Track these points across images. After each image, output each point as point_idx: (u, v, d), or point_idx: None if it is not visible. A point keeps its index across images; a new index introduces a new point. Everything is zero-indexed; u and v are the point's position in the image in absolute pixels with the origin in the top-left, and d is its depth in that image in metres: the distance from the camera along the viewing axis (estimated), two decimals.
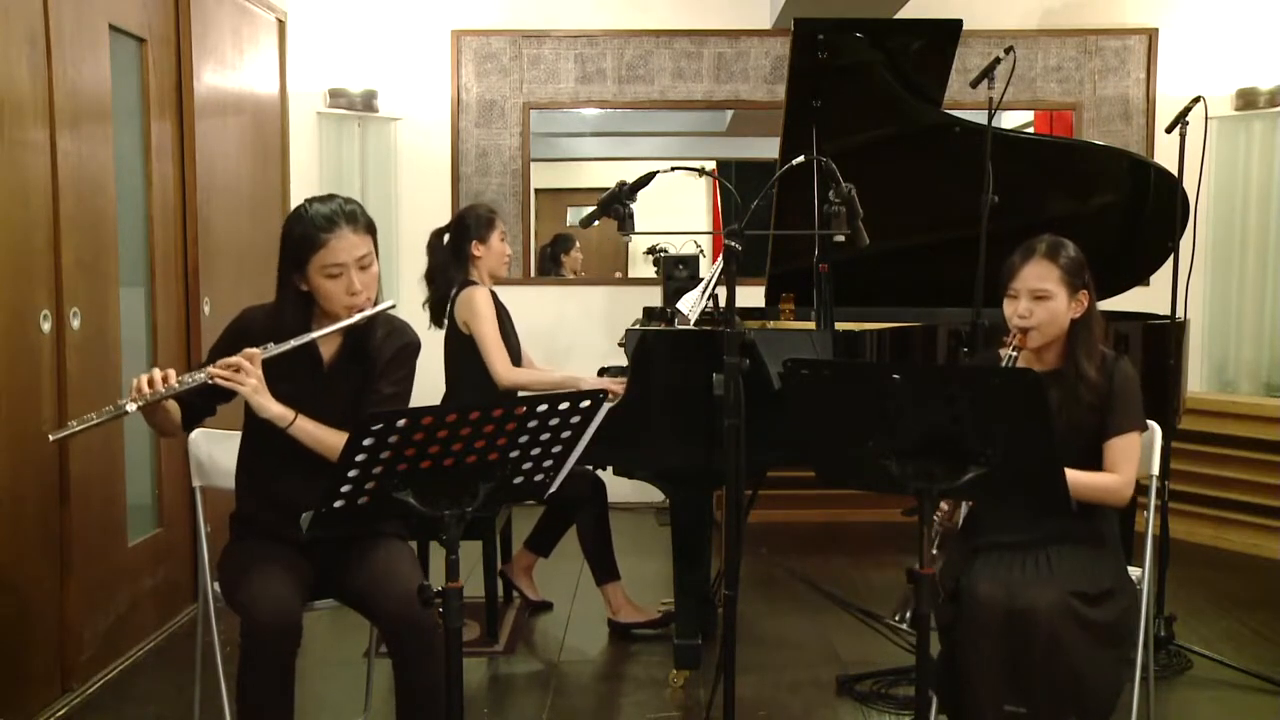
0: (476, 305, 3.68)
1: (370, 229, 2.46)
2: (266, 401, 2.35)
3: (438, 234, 3.87)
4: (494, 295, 3.78)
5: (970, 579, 2.43)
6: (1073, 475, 2.39)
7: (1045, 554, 2.47)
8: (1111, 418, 2.54)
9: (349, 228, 2.39)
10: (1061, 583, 2.39)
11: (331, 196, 2.47)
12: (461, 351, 3.73)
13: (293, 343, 2.38)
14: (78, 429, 2.27)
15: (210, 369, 2.33)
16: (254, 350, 2.35)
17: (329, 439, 2.37)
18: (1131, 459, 2.55)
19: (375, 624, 2.42)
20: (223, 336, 2.52)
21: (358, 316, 2.42)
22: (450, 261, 3.80)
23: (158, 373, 2.29)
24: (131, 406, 2.25)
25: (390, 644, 2.38)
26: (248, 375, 2.33)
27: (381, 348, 2.51)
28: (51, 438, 2.31)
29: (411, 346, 2.56)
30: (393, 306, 2.50)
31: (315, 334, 2.41)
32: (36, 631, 3.10)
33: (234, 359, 2.34)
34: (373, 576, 2.41)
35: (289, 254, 2.43)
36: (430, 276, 3.85)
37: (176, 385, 2.29)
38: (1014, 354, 2.55)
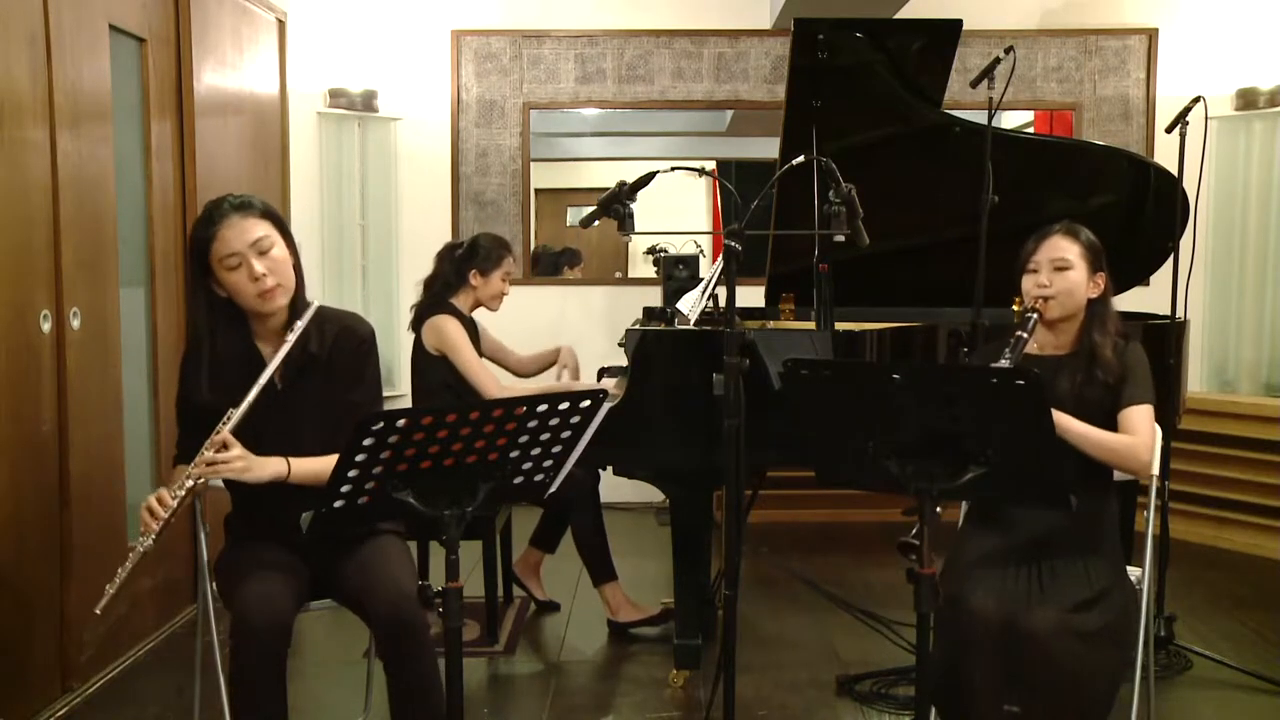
0: (448, 336, 3.69)
1: (267, 214, 2.39)
2: (260, 472, 2.32)
3: (450, 247, 3.89)
4: (471, 323, 3.82)
5: (963, 591, 2.43)
6: (1090, 431, 2.45)
7: (1039, 566, 2.47)
8: (1123, 391, 2.57)
9: (236, 215, 2.34)
10: (1058, 599, 2.39)
11: (225, 197, 2.40)
12: (426, 369, 3.75)
13: (249, 400, 2.31)
14: (114, 592, 2.27)
15: (196, 471, 2.29)
16: (223, 433, 2.29)
17: (328, 468, 2.32)
18: (1149, 425, 2.56)
19: (366, 623, 2.42)
20: (180, 385, 2.49)
21: (292, 337, 2.35)
22: (450, 278, 3.82)
23: (152, 499, 2.28)
24: (149, 542, 2.26)
25: (380, 643, 2.37)
26: (230, 460, 2.29)
27: (332, 352, 2.45)
28: (97, 610, 2.29)
29: (366, 342, 2.50)
30: (316, 310, 2.41)
31: (262, 380, 2.32)
32: (36, 631, 3.10)
33: (209, 454, 2.28)
34: (365, 575, 2.40)
35: (192, 261, 2.39)
36: (429, 284, 3.86)
37: (174, 503, 2.27)
38: (1033, 315, 2.57)
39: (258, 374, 2.36)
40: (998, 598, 2.39)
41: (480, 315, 3.94)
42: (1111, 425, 2.56)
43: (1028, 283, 2.64)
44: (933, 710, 2.38)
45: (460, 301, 3.82)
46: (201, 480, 2.30)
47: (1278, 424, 4.65)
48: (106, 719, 3.17)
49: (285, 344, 2.36)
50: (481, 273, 3.81)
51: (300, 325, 2.37)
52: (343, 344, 2.47)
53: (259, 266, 2.34)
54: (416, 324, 3.79)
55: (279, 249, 2.39)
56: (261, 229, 2.36)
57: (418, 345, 3.79)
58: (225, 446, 2.29)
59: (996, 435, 2.00)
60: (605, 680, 3.51)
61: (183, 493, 2.29)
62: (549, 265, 5.89)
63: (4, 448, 2.94)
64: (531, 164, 5.64)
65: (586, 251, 5.98)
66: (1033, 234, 2.68)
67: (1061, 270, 2.59)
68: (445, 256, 3.88)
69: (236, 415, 2.31)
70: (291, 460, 2.36)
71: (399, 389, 5.40)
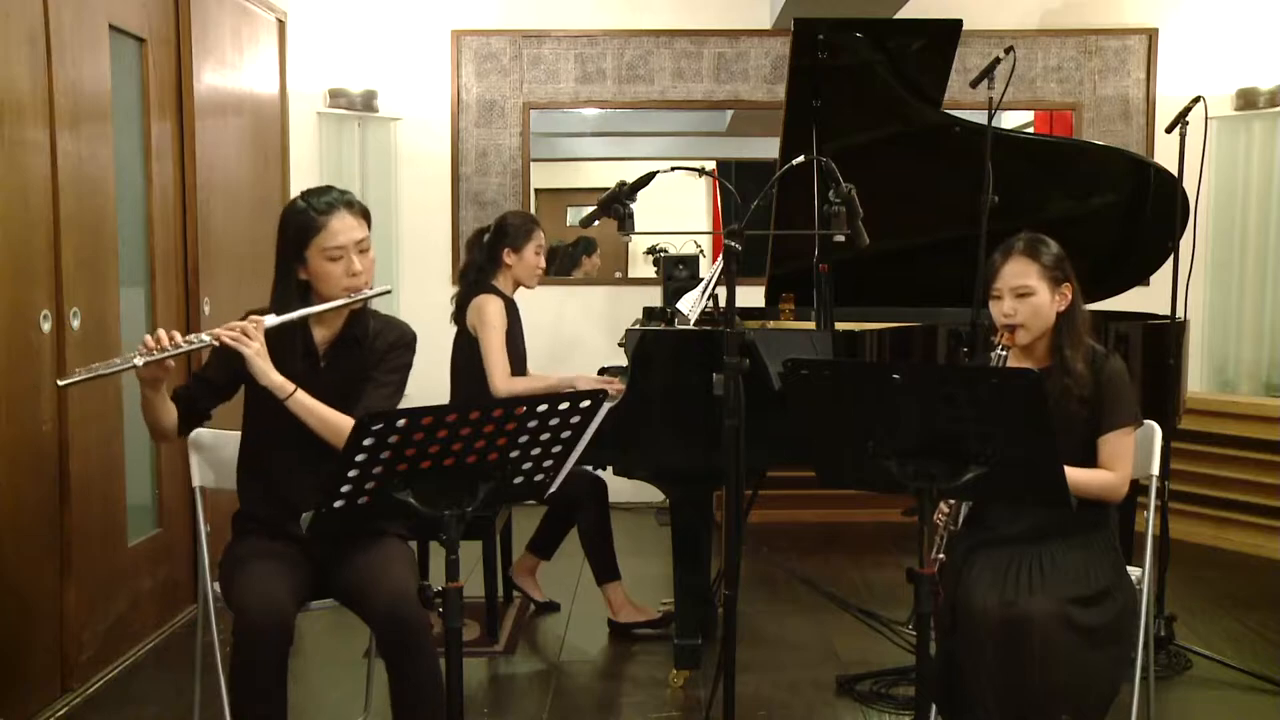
0: (486, 314, 3.70)
1: (366, 216, 2.52)
2: (268, 368, 2.38)
3: (479, 233, 3.92)
4: (511, 304, 3.81)
5: (966, 588, 2.44)
6: (1070, 473, 2.42)
7: (1040, 555, 2.48)
8: (1103, 414, 2.56)
9: (347, 211, 2.47)
10: (1057, 589, 2.40)
11: (329, 188, 2.52)
12: (469, 354, 3.75)
13: (296, 314, 2.42)
14: (84, 377, 2.31)
15: (219, 331, 2.37)
16: (259, 317, 2.40)
17: (328, 416, 2.40)
18: (1126, 454, 2.56)
19: (366, 622, 2.42)
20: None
21: (358, 296, 2.46)
22: (484, 262, 3.82)
23: (163, 332, 2.33)
24: (139, 360, 2.29)
25: (381, 643, 2.38)
26: (251, 339, 2.36)
27: (375, 341, 2.55)
28: (60, 384, 2.39)
29: (406, 339, 2.59)
30: (388, 291, 2.55)
31: (317, 309, 2.44)
32: (36, 631, 3.10)
33: (239, 323, 2.38)
34: (365, 575, 2.41)
35: (289, 241, 2.47)
36: (464, 273, 3.90)
37: (183, 344, 2.32)
38: (1003, 353, 2.59)
39: (309, 358, 2.48)
40: (998, 596, 2.40)
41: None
42: (1090, 439, 2.56)
43: (994, 309, 2.63)
44: (933, 710, 2.38)
45: (501, 283, 3.82)
46: (215, 342, 2.36)
47: (1278, 424, 4.65)
48: (106, 719, 3.17)
49: (348, 299, 2.46)
50: (514, 249, 3.81)
51: (370, 293, 2.48)
52: (384, 335, 2.57)
53: (358, 264, 2.46)
54: (459, 313, 3.79)
55: (371, 253, 2.52)
56: (364, 231, 2.50)
57: (460, 335, 3.79)
58: (255, 328, 2.37)
59: (996, 435, 2.00)
60: (605, 680, 3.51)
61: (196, 341, 2.34)
62: (566, 260, 5.89)
63: (4, 448, 2.94)
64: (531, 164, 5.64)
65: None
66: (998, 248, 2.66)
67: (1024, 297, 2.57)
68: (475, 243, 3.91)
69: (277, 320, 2.40)
70: (301, 391, 2.40)
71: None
